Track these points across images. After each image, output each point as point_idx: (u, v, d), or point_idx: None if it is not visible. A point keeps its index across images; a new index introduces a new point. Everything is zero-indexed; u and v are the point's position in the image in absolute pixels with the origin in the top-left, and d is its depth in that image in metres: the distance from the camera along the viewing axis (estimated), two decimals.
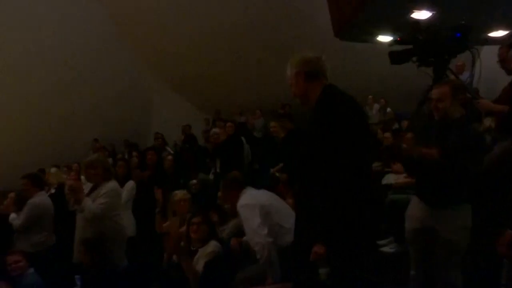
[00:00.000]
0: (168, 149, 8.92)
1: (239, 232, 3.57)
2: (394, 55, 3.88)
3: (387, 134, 5.97)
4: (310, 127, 2.09)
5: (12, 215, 4.15)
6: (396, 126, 7.62)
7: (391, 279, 3.06)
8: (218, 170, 6.26)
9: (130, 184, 4.88)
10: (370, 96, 9.98)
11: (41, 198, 4.34)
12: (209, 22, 10.38)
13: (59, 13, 10.80)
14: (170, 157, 6.68)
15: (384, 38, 7.14)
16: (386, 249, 3.91)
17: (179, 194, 4.24)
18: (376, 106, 9.99)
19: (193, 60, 11.30)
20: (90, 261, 3.39)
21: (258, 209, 3.05)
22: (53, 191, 6.40)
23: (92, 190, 3.71)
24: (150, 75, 12.76)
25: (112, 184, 3.69)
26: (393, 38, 6.08)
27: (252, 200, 3.15)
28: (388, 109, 9.76)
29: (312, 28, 9.42)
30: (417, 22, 5.58)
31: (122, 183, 4.45)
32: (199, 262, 3.25)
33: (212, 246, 3.30)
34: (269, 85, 10.88)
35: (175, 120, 11.83)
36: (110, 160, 7.16)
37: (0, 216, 4.64)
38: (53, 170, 7.78)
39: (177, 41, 11.09)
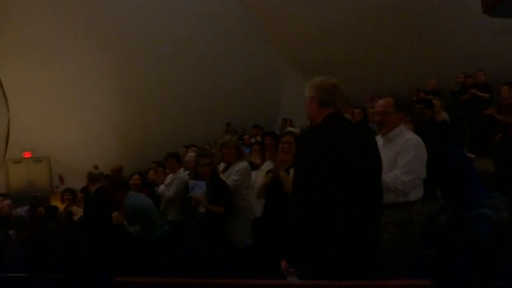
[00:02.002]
0: None
1: None
2: None
3: None
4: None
5: (161, 187, 4.67)
6: None
7: None
8: None
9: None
10: None
11: (185, 175, 4.82)
12: (342, 7, 10.17)
13: (197, 7, 11.71)
14: None
15: None
16: None
17: None
18: None
19: (324, 46, 11.24)
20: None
21: None
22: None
23: (226, 169, 4.02)
24: (281, 61, 13.12)
25: (244, 163, 3.94)
26: None
27: None
28: None
29: (456, 5, 8.54)
30: None
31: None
32: None
33: None
34: (401, 71, 10.30)
35: (303, 106, 11.97)
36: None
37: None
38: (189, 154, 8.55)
39: (309, 27, 11.12)
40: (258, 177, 3.68)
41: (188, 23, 11.69)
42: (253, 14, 12.23)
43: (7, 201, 5.68)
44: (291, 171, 3.06)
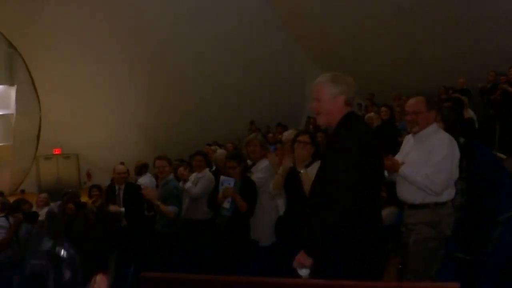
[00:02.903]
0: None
1: None
2: None
3: None
4: (327, 146, 2.25)
5: (188, 183, 4.70)
6: None
7: None
8: None
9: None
10: None
11: (211, 175, 4.82)
12: (368, 4, 10.03)
13: (223, 5, 11.74)
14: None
15: None
16: None
17: None
18: None
19: (350, 44, 11.12)
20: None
21: None
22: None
23: (251, 166, 4.06)
24: (305, 60, 13.05)
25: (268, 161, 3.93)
26: None
27: None
28: None
29: (487, 0, 8.29)
30: None
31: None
32: None
33: None
34: (429, 68, 10.07)
35: None
36: None
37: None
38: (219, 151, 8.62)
39: (335, 25, 11.01)
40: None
41: (214, 22, 11.76)
42: (278, 11, 12.20)
43: (44, 195, 5.89)
44: (310, 169, 3.06)
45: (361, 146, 2.04)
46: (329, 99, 2.19)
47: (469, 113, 6.64)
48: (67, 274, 0.78)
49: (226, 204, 3.81)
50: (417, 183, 2.71)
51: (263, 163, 3.92)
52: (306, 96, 13.39)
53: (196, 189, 4.50)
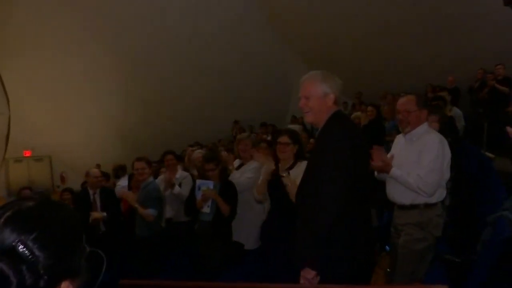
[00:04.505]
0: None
1: None
2: None
3: None
4: (314, 145, 2.28)
5: (177, 188, 4.69)
6: None
7: None
8: None
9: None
10: None
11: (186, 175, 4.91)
12: (353, 2, 10.12)
13: (204, 3, 11.67)
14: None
15: None
16: None
17: None
18: None
19: (336, 42, 11.21)
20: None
21: None
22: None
23: (240, 165, 4.10)
24: (291, 58, 13.10)
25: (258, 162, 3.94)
26: None
27: None
28: None
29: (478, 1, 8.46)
30: None
31: None
32: None
33: None
34: (416, 66, 10.22)
35: None
36: None
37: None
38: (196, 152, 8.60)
39: (320, 23, 11.07)
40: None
41: (197, 20, 11.72)
42: (264, 9, 12.22)
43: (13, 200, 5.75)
44: (293, 171, 3.07)
45: (350, 144, 2.06)
46: (319, 97, 2.22)
47: (455, 111, 6.78)
48: (29, 279, 0.74)
49: (206, 209, 3.77)
50: (408, 184, 2.75)
51: (253, 163, 3.93)
52: (291, 95, 13.44)
53: (186, 192, 4.51)
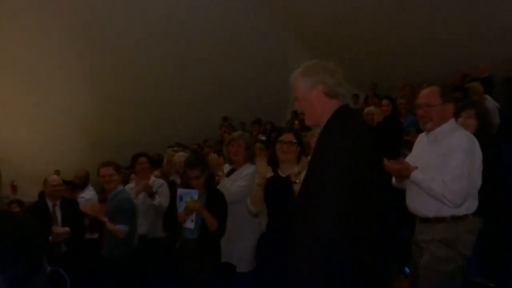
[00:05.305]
0: None
1: None
2: None
3: None
4: (315, 146, 2.26)
5: (158, 198, 4.70)
6: None
7: None
8: None
9: None
10: None
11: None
12: None
13: None
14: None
15: None
16: None
17: None
18: None
19: (344, 27, 11.23)
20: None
21: None
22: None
23: (231, 171, 4.05)
24: (289, 41, 13.12)
25: (254, 167, 3.90)
26: None
27: None
28: None
29: None
30: None
31: None
32: None
33: None
34: (441, 52, 10.25)
35: None
36: None
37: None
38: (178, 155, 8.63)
39: (324, 5, 11.09)
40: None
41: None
42: None
43: None
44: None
45: (354, 147, 2.08)
46: (303, 95, 2.30)
47: (488, 103, 6.84)
48: None
49: (190, 224, 3.75)
50: (431, 191, 2.76)
51: (248, 169, 3.92)
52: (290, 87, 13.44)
53: (166, 202, 4.49)
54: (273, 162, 3.34)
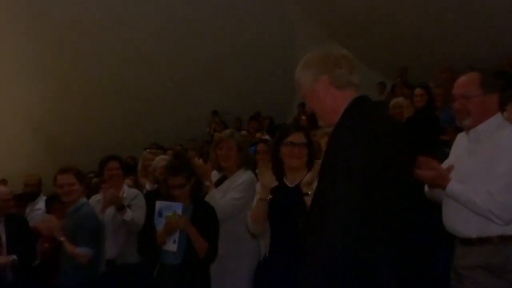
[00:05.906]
0: None
1: None
2: None
3: None
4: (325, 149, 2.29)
5: (129, 212, 4.70)
6: None
7: None
8: None
9: None
10: None
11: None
12: None
13: None
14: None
15: None
16: None
17: None
18: None
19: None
20: None
21: None
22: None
23: (222, 180, 4.07)
24: (298, 19, 13.14)
25: (250, 174, 3.97)
26: None
27: None
28: None
29: None
30: None
31: None
32: None
33: None
34: (486, 29, 10.23)
35: None
36: None
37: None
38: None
39: None
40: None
41: None
42: None
43: None
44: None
45: (369, 150, 2.06)
46: (309, 91, 2.33)
47: None
48: None
49: (172, 246, 3.74)
50: (474, 205, 2.74)
51: (242, 177, 3.95)
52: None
53: (138, 217, 4.51)
54: (277, 169, 3.30)
